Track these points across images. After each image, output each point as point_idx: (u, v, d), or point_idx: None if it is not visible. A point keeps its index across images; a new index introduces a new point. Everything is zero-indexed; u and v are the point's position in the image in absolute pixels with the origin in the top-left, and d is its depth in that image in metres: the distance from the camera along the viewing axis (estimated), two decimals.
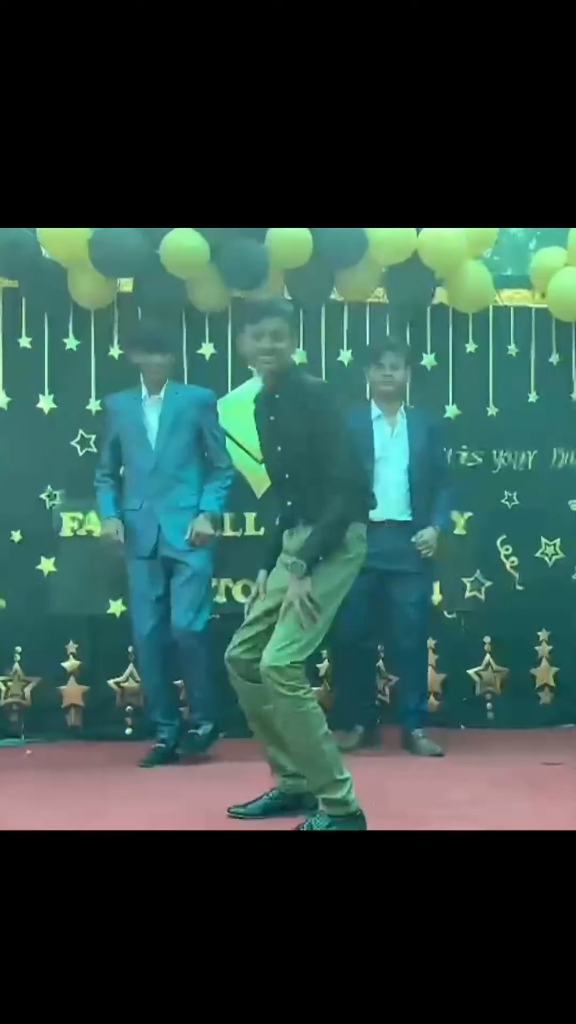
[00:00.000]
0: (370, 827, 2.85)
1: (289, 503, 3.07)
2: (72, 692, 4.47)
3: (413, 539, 4.18)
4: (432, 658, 4.74)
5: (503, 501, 4.87)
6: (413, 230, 4.38)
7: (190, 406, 4.09)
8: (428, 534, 4.21)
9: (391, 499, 4.11)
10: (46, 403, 4.50)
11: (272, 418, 3.08)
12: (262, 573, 3.13)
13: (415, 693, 4.34)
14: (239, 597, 4.50)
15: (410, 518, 4.21)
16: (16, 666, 4.45)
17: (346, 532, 2.92)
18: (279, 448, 3.07)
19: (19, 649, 4.45)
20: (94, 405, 4.46)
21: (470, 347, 4.86)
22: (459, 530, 4.79)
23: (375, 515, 3.25)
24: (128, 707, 4.46)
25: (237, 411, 4.56)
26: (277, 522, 3.19)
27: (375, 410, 4.35)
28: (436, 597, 4.72)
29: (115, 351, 4.52)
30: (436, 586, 4.71)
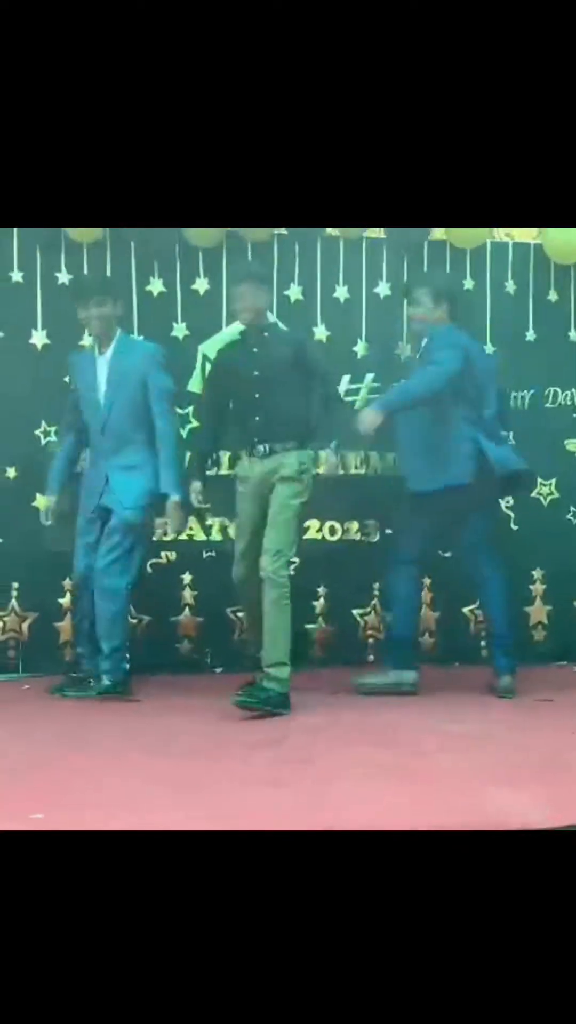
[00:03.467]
0: (363, 753, 2.91)
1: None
2: (69, 628, 4.50)
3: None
4: (427, 596, 4.78)
5: None
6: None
7: (135, 361, 4.03)
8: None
9: None
10: (39, 338, 4.47)
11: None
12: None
13: None
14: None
15: None
16: (13, 602, 4.48)
17: None
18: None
19: (16, 585, 4.48)
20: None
21: (468, 284, 4.81)
22: None
23: None
24: None
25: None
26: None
27: None
28: None
29: None
30: None
